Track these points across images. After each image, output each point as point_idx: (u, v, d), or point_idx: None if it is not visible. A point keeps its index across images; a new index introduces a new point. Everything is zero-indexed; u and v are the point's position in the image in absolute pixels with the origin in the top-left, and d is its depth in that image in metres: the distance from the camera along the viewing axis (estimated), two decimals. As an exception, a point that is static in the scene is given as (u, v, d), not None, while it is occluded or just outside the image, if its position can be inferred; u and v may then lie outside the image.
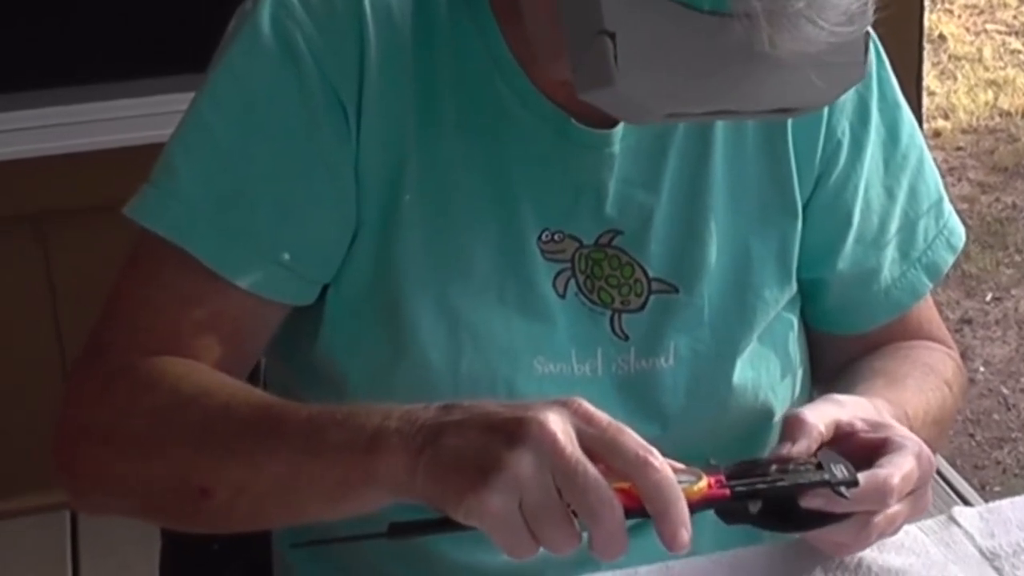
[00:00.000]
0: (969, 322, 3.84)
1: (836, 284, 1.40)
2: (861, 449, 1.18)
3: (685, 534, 1.04)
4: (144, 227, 1.26)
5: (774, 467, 1.14)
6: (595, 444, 1.04)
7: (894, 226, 1.40)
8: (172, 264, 1.25)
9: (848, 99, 1.36)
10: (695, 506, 1.06)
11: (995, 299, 3.99)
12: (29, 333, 2.82)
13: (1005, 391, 3.58)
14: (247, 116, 1.26)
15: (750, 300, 1.34)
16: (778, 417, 1.35)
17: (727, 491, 1.09)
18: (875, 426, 1.20)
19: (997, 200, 4.48)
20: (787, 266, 1.36)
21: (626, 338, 1.31)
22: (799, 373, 1.39)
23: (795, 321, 1.39)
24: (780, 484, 1.12)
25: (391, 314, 1.27)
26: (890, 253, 1.40)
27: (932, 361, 1.42)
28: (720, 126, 1.33)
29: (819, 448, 1.17)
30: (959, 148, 4.78)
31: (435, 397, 1.14)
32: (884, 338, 1.44)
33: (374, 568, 1.36)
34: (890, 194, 1.40)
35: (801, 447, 1.16)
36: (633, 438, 1.05)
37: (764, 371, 1.35)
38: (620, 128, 1.30)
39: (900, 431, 1.20)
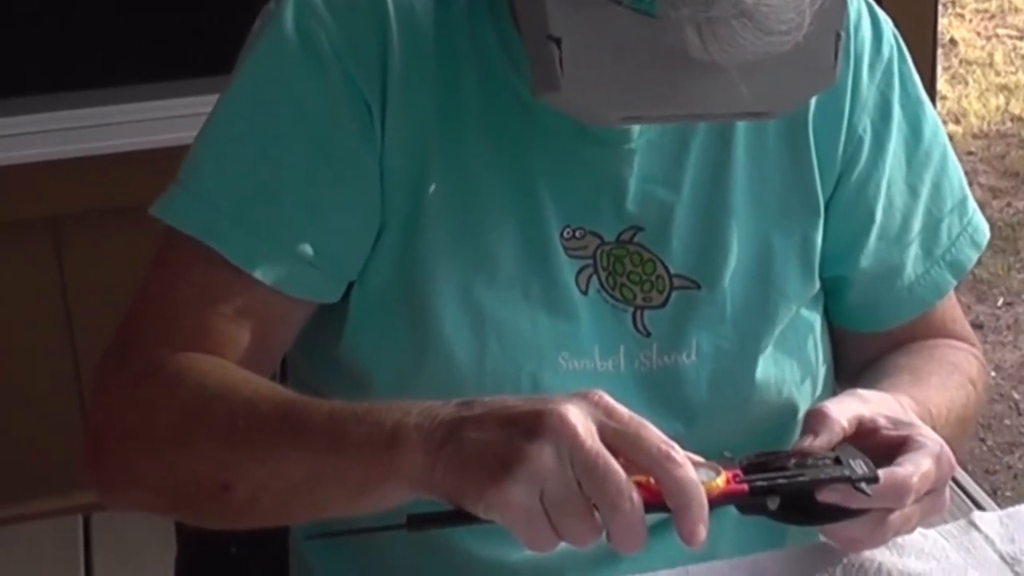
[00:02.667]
0: (980, 327, 3.83)
1: (859, 281, 1.40)
2: (882, 446, 1.18)
3: (703, 531, 1.04)
4: (171, 226, 1.27)
5: (793, 460, 1.14)
6: (616, 438, 1.05)
7: (917, 224, 1.40)
8: (198, 261, 1.26)
9: (870, 96, 1.37)
10: (714, 502, 1.07)
11: (1006, 304, 3.99)
12: (42, 336, 2.82)
13: (1016, 396, 3.58)
14: (272, 116, 1.27)
15: (772, 296, 1.34)
16: (802, 414, 1.35)
17: (745, 487, 1.10)
18: (897, 423, 1.21)
19: (1008, 205, 4.47)
20: (810, 262, 1.36)
21: (648, 334, 1.32)
22: (823, 370, 1.39)
23: (819, 318, 1.39)
24: (800, 480, 1.12)
25: (416, 311, 1.28)
26: (913, 250, 1.40)
27: (957, 360, 1.42)
28: (741, 124, 1.33)
29: (840, 443, 1.17)
30: (970, 153, 4.77)
31: (460, 394, 1.15)
32: (908, 336, 1.44)
33: (395, 563, 1.36)
34: (913, 191, 1.40)
35: (822, 441, 1.17)
36: (655, 433, 1.05)
37: (787, 367, 1.35)
38: (639, 125, 1.30)
39: (922, 430, 1.20)
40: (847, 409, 1.20)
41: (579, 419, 1.04)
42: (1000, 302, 3.99)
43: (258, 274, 1.25)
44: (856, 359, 1.45)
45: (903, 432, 1.20)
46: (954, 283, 1.43)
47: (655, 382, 1.32)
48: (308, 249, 1.26)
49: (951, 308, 1.47)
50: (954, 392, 1.38)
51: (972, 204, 1.45)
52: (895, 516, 1.17)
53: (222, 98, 1.29)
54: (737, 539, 1.34)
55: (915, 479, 1.15)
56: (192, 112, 2.69)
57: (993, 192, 4.53)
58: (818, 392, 1.39)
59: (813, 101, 1.34)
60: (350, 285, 1.30)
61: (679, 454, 1.04)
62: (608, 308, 1.31)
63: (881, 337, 1.43)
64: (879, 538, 1.19)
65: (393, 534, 1.19)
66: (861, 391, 1.25)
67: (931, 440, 1.19)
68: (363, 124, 1.26)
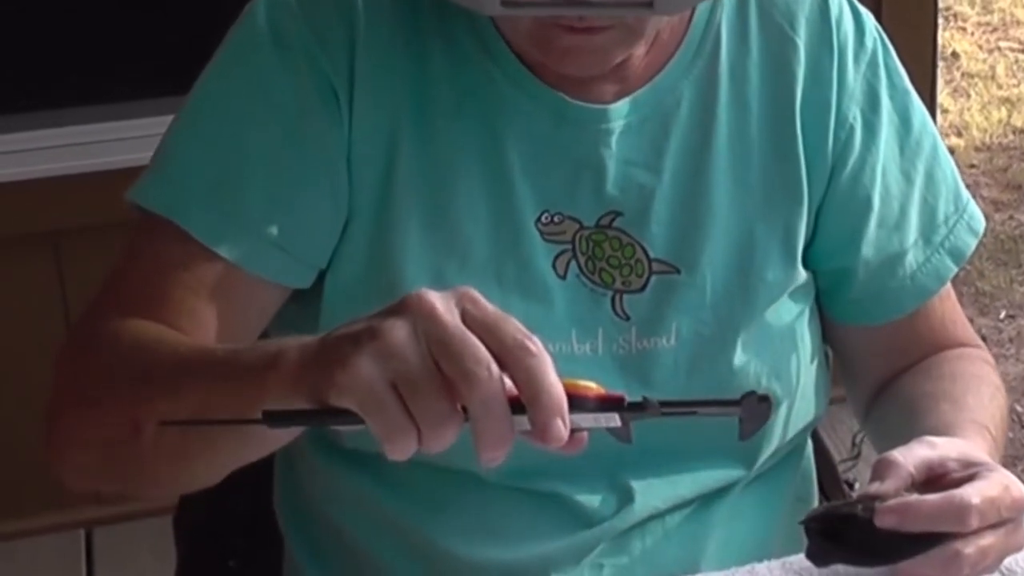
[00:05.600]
0: (983, 340, 3.82)
1: (863, 272, 1.40)
2: (955, 487, 1.17)
3: (559, 426, 0.97)
4: (143, 210, 1.29)
5: (860, 507, 1.14)
6: (475, 325, 0.99)
7: (914, 211, 1.41)
8: (164, 238, 1.27)
9: (857, 86, 1.38)
10: (587, 404, 1.00)
11: (1009, 317, 3.98)
12: (43, 352, 2.82)
13: (1019, 409, 3.57)
14: (240, 102, 1.29)
15: (753, 282, 1.35)
16: (785, 405, 1.36)
17: (620, 395, 1.02)
18: (966, 464, 1.20)
19: (1011, 218, 4.46)
20: (792, 250, 1.37)
21: (627, 318, 1.32)
22: (810, 367, 1.39)
23: (805, 311, 1.39)
24: (676, 401, 1.05)
25: (388, 297, 1.28)
26: (913, 238, 1.41)
27: (976, 371, 1.43)
28: (723, 109, 1.35)
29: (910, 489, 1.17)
30: (972, 166, 4.76)
31: None
32: (910, 334, 1.44)
33: (383, 568, 1.36)
34: (908, 179, 1.41)
35: (889, 486, 1.16)
36: (514, 324, 0.99)
37: (767, 357, 1.35)
38: (618, 105, 1.32)
39: (991, 465, 1.20)
40: (915, 455, 1.20)
41: (440, 301, 0.99)
42: (1002, 315, 3.99)
43: (223, 251, 1.26)
44: (858, 358, 1.47)
45: (972, 471, 1.19)
46: (954, 269, 1.43)
47: (634, 365, 1.32)
48: (274, 230, 1.27)
49: (951, 309, 1.47)
50: (990, 406, 1.39)
51: (965, 192, 1.46)
52: (970, 550, 1.15)
53: (195, 87, 1.33)
54: (722, 553, 1.35)
55: (976, 500, 1.14)
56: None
57: (995, 205, 4.53)
58: (802, 388, 1.38)
59: (799, 94, 1.36)
60: (323, 276, 1.31)
61: (535, 345, 0.98)
62: (587, 292, 1.32)
63: (884, 332, 1.44)
64: (956, 574, 1.17)
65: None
66: (929, 438, 1.24)
67: (998, 471, 1.19)
68: (331, 112, 1.28)
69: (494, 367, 0.97)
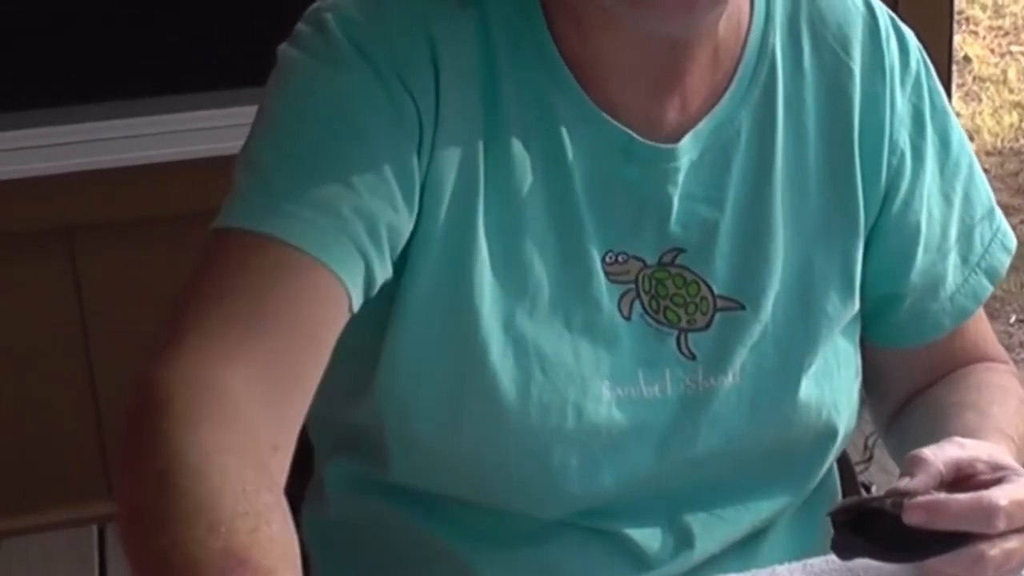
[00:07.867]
0: (993, 344, 3.82)
1: (909, 296, 1.40)
2: (982, 489, 1.17)
3: None
4: (223, 229, 1.18)
5: (889, 501, 1.14)
6: None
7: (953, 232, 1.41)
8: (248, 249, 1.16)
9: (904, 109, 1.37)
10: None
11: (1019, 321, 3.98)
12: (57, 348, 2.83)
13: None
14: (333, 117, 1.21)
15: (814, 316, 1.33)
16: (841, 435, 1.36)
17: None
18: (995, 467, 1.20)
19: (1022, 223, 4.47)
20: (851, 283, 1.35)
21: (693, 357, 1.30)
22: (857, 394, 1.39)
23: (856, 338, 1.39)
24: None
25: (460, 341, 1.25)
26: (952, 260, 1.40)
27: (1002, 383, 1.43)
28: (781, 136, 1.32)
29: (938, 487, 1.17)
30: (984, 170, 4.76)
31: (504, 424, 1.15)
32: (942, 355, 1.44)
33: (406, 573, 1.35)
34: (947, 201, 1.41)
35: (919, 482, 1.16)
36: None
37: (828, 388, 1.34)
38: (684, 142, 1.29)
39: (1019, 470, 1.20)
40: (944, 454, 1.20)
41: None
42: (1013, 319, 3.99)
43: (309, 249, 1.15)
44: (889, 377, 1.46)
45: (1000, 475, 1.19)
46: (991, 289, 1.43)
47: (700, 403, 1.30)
48: (357, 230, 1.17)
49: (984, 328, 1.47)
50: (1016, 417, 1.39)
51: (998, 210, 1.46)
52: (995, 552, 1.16)
53: (272, 103, 1.24)
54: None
55: (1004, 502, 1.15)
56: (205, 125, 2.70)
57: (1006, 210, 4.53)
58: (852, 414, 1.38)
59: (857, 119, 1.34)
60: (386, 319, 1.25)
61: None
62: (652, 332, 1.30)
63: (917, 354, 1.44)
64: (980, 575, 1.17)
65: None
66: (959, 439, 1.24)
67: None
68: (413, 136, 1.22)
69: None
